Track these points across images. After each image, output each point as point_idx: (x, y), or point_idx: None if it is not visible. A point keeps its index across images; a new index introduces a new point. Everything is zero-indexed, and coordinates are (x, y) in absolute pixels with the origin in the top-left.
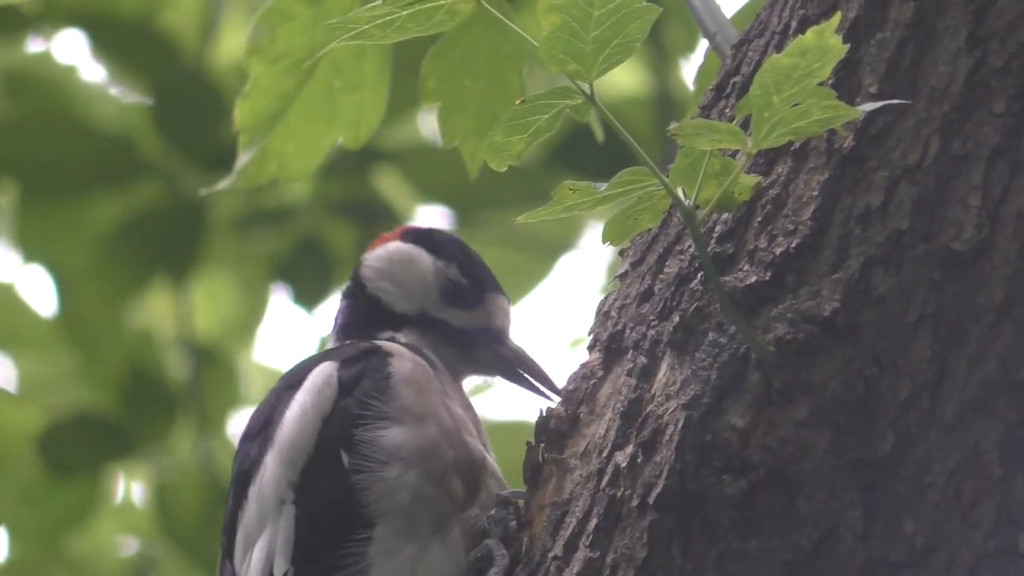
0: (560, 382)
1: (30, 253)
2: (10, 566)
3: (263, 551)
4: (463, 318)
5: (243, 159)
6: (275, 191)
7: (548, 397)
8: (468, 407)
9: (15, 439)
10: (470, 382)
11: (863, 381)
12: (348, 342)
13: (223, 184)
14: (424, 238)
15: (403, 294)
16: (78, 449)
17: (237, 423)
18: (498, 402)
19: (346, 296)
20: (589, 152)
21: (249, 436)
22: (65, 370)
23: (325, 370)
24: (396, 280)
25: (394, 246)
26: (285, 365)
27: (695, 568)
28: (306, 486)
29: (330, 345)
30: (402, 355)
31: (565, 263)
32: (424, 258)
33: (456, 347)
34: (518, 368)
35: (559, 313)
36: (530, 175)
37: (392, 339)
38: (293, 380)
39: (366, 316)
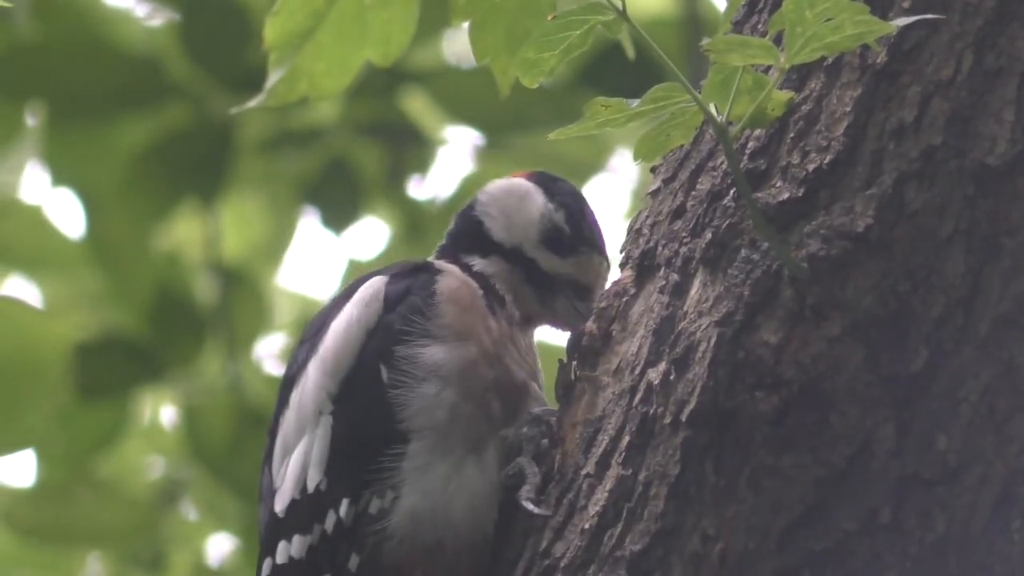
0: None
1: (58, 176)
2: (39, 488)
3: (299, 460)
4: (553, 263)
5: (273, 78)
6: (303, 113)
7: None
8: (528, 348)
9: (45, 358)
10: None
11: (896, 297)
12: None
13: (253, 102)
14: (545, 181)
15: (505, 224)
16: (107, 371)
17: (264, 346)
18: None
19: (459, 214)
20: (617, 73)
21: (302, 340)
22: (93, 293)
23: (374, 284)
24: (504, 210)
25: (516, 180)
26: (313, 289)
27: (728, 485)
28: (345, 398)
29: (433, 257)
30: (452, 274)
31: (594, 185)
32: (537, 197)
33: (536, 288)
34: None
35: None
36: (559, 96)
37: (472, 265)
38: (351, 290)
39: (465, 236)
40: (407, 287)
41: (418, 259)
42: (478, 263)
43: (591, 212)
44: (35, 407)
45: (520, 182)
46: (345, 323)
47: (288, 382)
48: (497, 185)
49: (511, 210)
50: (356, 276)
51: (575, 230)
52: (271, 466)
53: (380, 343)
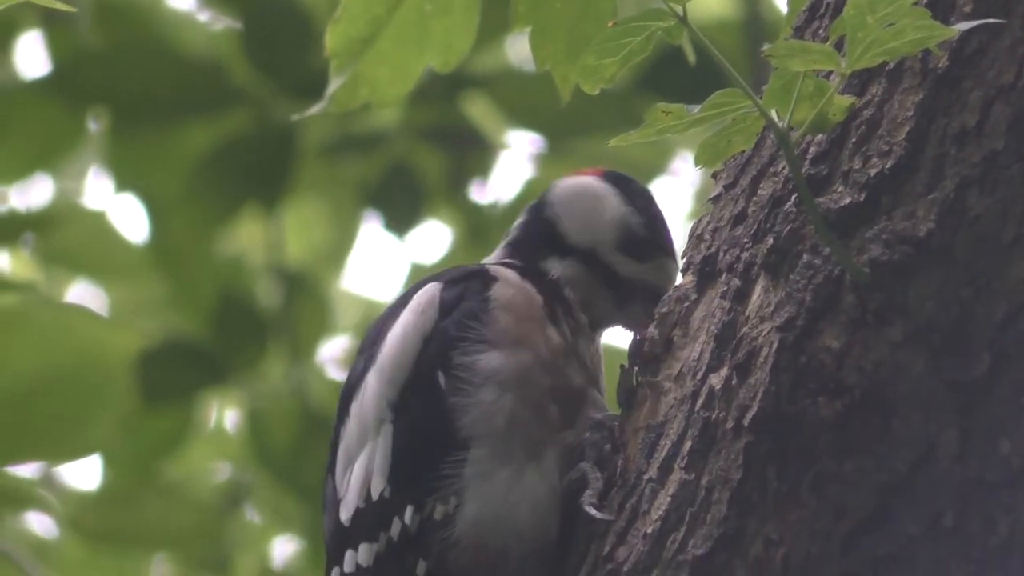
0: None
1: (121, 182)
2: (105, 493)
3: (362, 469)
4: (630, 268)
5: (335, 84)
6: (365, 118)
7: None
8: (593, 350)
9: (110, 365)
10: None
11: (958, 302)
12: (509, 260)
13: (316, 108)
14: (620, 182)
15: (582, 226)
16: (171, 377)
17: (327, 350)
18: None
19: (527, 213)
20: (678, 78)
21: (361, 351)
22: (157, 298)
23: (429, 291)
24: (580, 212)
25: (590, 179)
26: (376, 293)
27: (790, 490)
28: (404, 406)
29: (494, 257)
30: (507, 279)
31: (656, 190)
32: (614, 200)
33: (613, 292)
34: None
35: None
36: (619, 101)
37: (549, 270)
38: (407, 297)
39: (538, 238)
40: (461, 293)
41: (472, 264)
42: (556, 266)
43: (662, 212)
44: (100, 414)
45: (593, 182)
46: (402, 331)
47: (348, 393)
48: (569, 185)
49: (587, 212)
50: (416, 281)
51: (653, 234)
52: (334, 476)
53: (437, 350)
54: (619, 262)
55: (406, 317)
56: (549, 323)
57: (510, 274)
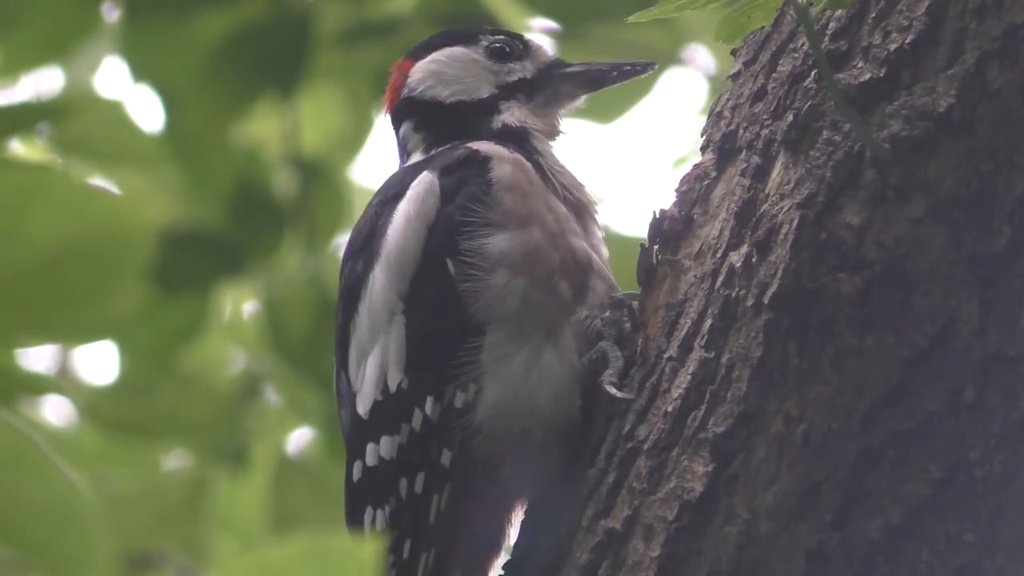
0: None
1: (137, 72)
2: (121, 383)
3: (376, 361)
4: (528, 67)
5: None
6: (381, 4)
7: (641, 71)
8: (575, 185)
9: (129, 239)
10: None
11: (979, 176)
12: (441, 149)
13: None
14: (434, 43)
15: (474, 82)
16: (188, 265)
17: (343, 239)
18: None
19: (415, 129)
20: None
21: (352, 252)
22: (173, 187)
23: (426, 179)
24: (457, 78)
25: (424, 61)
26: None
27: (811, 367)
28: (415, 296)
29: (411, 161)
30: (502, 158)
31: (669, 79)
32: (456, 49)
33: (544, 92)
34: (597, 72)
35: (663, 130)
36: None
37: (502, 123)
38: (391, 193)
39: (455, 122)
40: (462, 177)
41: (460, 149)
42: (508, 117)
43: (477, 22)
44: (118, 294)
45: (423, 64)
46: (404, 221)
47: (350, 291)
48: (417, 79)
49: (457, 75)
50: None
51: (505, 33)
52: (347, 370)
53: (443, 236)
54: (519, 70)
55: (405, 207)
56: (550, 193)
57: (500, 150)
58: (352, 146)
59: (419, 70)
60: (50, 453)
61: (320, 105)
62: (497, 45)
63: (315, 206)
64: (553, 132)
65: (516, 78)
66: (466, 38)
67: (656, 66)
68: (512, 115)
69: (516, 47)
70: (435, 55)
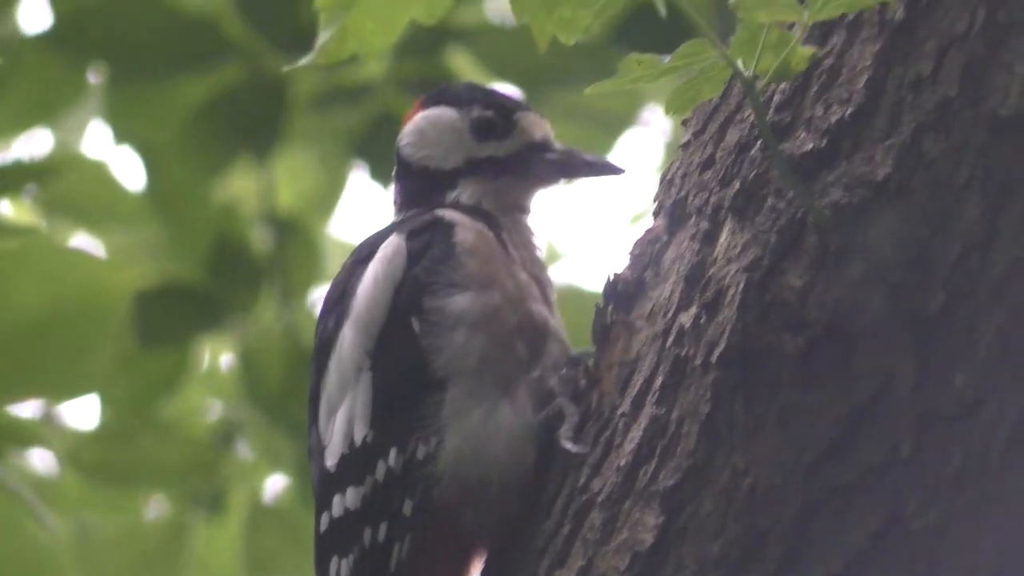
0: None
1: (120, 133)
2: (103, 431)
3: (344, 417)
4: (504, 146)
5: (323, 37)
6: (352, 70)
7: (615, 171)
8: (534, 261)
9: (109, 304)
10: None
11: (915, 241)
12: (410, 213)
13: (305, 61)
14: (440, 96)
15: (444, 152)
16: (167, 319)
17: (318, 293)
18: (564, 269)
19: (397, 178)
20: (650, 30)
21: (326, 311)
22: (154, 244)
23: (394, 241)
24: (432, 142)
25: (419, 115)
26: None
27: (757, 423)
28: (381, 352)
29: (394, 220)
30: (464, 225)
31: (627, 139)
32: (446, 112)
33: (511, 175)
34: (572, 164)
35: (621, 188)
36: (595, 52)
37: (456, 199)
38: (363, 254)
39: (423, 187)
40: (427, 241)
41: (426, 214)
42: (462, 194)
43: (491, 87)
44: (98, 353)
45: (422, 114)
46: (372, 281)
47: (322, 348)
48: (408, 131)
49: (437, 138)
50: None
51: (496, 108)
52: (318, 427)
53: (408, 296)
54: (493, 149)
55: (374, 268)
56: (512, 262)
57: (464, 218)
58: (326, 204)
59: (412, 122)
60: (33, 504)
61: (295, 165)
62: (482, 119)
63: (290, 262)
64: (515, 210)
65: (485, 155)
66: (461, 102)
67: (626, 171)
68: (466, 193)
69: (500, 124)
70: (429, 111)
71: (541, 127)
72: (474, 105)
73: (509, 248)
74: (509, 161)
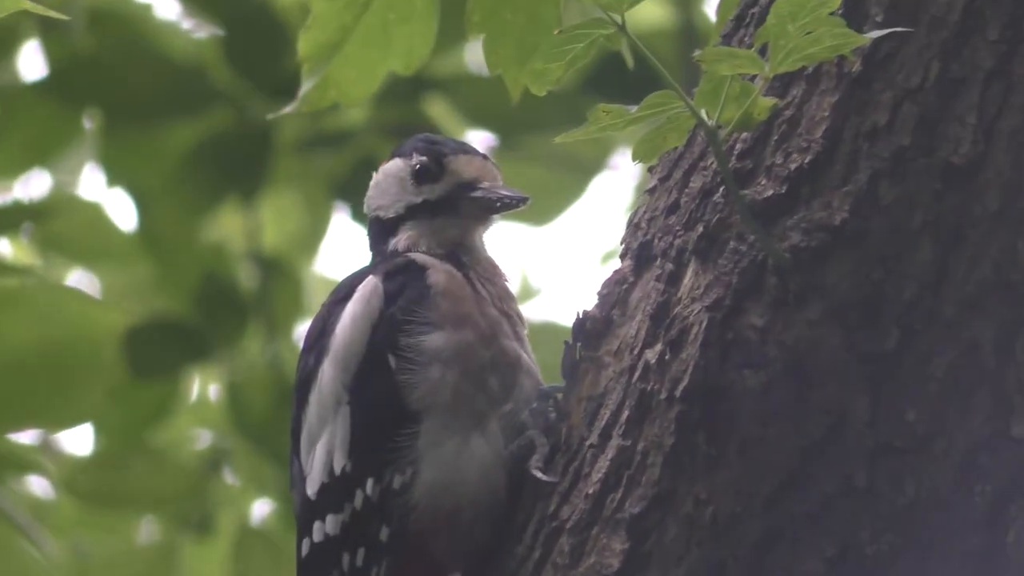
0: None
1: (113, 176)
2: (97, 458)
3: (324, 448)
4: (436, 189)
5: (306, 86)
6: (334, 117)
7: (519, 203)
8: (502, 296)
9: (100, 341)
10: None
11: (870, 283)
12: (376, 260)
13: (289, 108)
14: (397, 149)
15: (391, 201)
16: (158, 353)
17: (302, 328)
18: (540, 305)
19: (367, 227)
20: (618, 80)
21: (307, 348)
22: (146, 282)
23: (372, 282)
24: (384, 192)
25: (380, 169)
26: (341, 280)
27: (719, 454)
28: (359, 387)
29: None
30: (435, 267)
31: (598, 183)
32: (395, 163)
33: (442, 216)
34: (490, 199)
35: (592, 229)
36: (566, 101)
37: (395, 246)
38: (341, 295)
39: (375, 236)
40: (402, 282)
41: (400, 258)
42: (399, 241)
43: (439, 135)
44: (92, 386)
45: (380, 169)
46: (351, 320)
47: (303, 384)
48: (371, 186)
49: (385, 188)
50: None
51: (431, 154)
52: (299, 457)
53: (385, 334)
54: (426, 193)
55: (352, 308)
56: (484, 300)
57: (434, 260)
58: (310, 244)
59: (377, 174)
60: (30, 527)
61: (280, 206)
62: (419, 165)
63: (275, 298)
64: (457, 248)
65: (421, 200)
66: (406, 152)
67: (530, 200)
68: (402, 240)
69: (432, 169)
70: (387, 165)
71: (473, 167)
72: (416, 153)
73: (477, 287)
74: (439, 203)
